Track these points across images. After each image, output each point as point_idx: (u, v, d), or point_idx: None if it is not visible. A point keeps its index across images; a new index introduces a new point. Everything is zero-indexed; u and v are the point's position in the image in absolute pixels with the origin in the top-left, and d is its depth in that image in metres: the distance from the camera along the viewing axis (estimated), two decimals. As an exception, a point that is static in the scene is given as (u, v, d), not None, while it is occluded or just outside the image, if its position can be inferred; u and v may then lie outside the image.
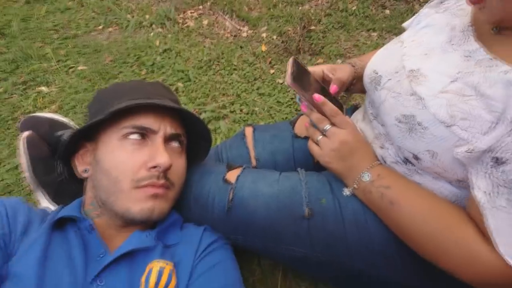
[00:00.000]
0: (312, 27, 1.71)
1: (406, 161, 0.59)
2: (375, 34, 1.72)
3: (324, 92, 0.66)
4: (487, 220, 0.49)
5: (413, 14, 0.73)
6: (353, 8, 1.88)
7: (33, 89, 1.31)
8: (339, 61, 1.53)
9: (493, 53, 0.52)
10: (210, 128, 1.18)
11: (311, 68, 0.69)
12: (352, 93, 0.83)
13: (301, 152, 0.80)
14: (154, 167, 0.57)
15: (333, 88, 0.69)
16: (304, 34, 1.66)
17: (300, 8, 1.93)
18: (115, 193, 0.57)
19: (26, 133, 0.83)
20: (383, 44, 0.73)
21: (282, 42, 1.63)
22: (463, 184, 0.55)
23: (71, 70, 1.40)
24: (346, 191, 0.64)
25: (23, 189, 1.02)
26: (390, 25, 1.73)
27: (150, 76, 1.40)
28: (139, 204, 0.57)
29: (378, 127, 0.65)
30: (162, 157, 0.57)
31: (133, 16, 1.75)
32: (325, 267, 0.66)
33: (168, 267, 0.58)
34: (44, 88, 1.31)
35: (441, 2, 0.69)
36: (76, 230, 0.60)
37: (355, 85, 0.77)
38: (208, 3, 1.92)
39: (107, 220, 0.62)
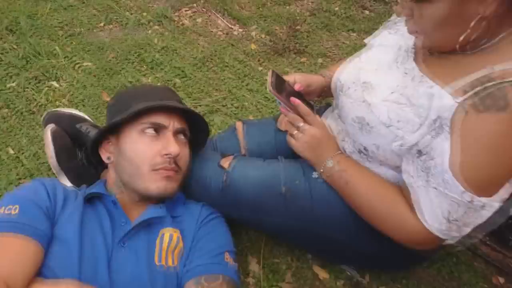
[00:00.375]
0: (298, 27, 1.87)
1: (359, 151, 0.77)
2: (354, 34, 1.88)
3: (298, 96, 0.83)
4: (412, 196, 0.68)
5: (390, 16, 0.91)
6: (336, 9, 2.04)
7: (44, 83, 1.45)
8: (320, 60, 1.70)
9: (424, 72, 0.69)
10: (206, 120, 1.34)
11: (286, 77, 0.86)
12: (325, 97, 1.00)
13: (282, 143, 0.96)
14: (167, 154, 0.74)
15: (297, 86, 0.86)
16: (290, 34, 1.82)
17: (287, 8, 2.08)
18: (136, 175, 0.74)
19: (51, 126, 0.99)
20: (361, 45, 0.90)
21: (270, 41, 1.79)
22: (400, 170, 0.73)
23: (77, 66, 1.54)
24: (315, 174, 0.82)
25: (41, 173, 1.17)
26: (368, 26, 1.90)
27: (150, 72, 1.55)
28: (155, 184, 0.73)
29: (341, 124, 0.83)
30: (173, 147, 0.74)
31: (132, 14, 1.88)
32: (297, 234, 0.85)
33: (176, 233, 0.76)
34: (54, 83, 1.45)
35: (395, 23, 0.86)
36: (103, 204, 0.76)
37: (327, 92, 0.94)
38: (201, 1, 2.05)
39: (127, 197, 0.78)
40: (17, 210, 0.67)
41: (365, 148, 0.75)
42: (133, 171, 0.74)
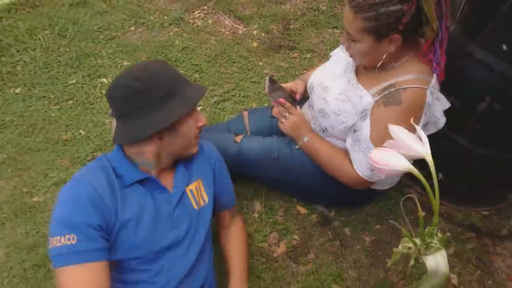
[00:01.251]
0: (291, 26, 2.28)
1: (323, 130, 1.24)
2: (337, 31, 2.30)
3: (287, 94, 1.29)
4: (351, 156, 1.15)
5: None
6: (323, 8, 2.44)
7: (96, 80, 1.91)
8: (308, 55, 2.13)
9: (358, 81, 1.15)
10: (220, 107, 1.81)
11: (285, 85, 1.32)
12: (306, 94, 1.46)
13: (274, 126, 1.43)
14: (201, 126, 0.98)
15: (297, 96, 1.33)
16: (285, 33, 2.24)
17: (282, 7, 2.48)
18: (188, 145, 0.97)
19: None
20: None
21: (268, 39, 2.21)
22: (345, 141, 1.20)
23: (119, 65, 1.99)
24: (296, 146, 1.29)
25: (107, 148, 1.65)
26: (349, 24, 2.30)
27: (176, 69, 1.99)
28: (196, 147, 1.01)
29: (313, 112, 1.29)
30: (204, 119, 0.98)
31: (155, 18, 2.29)
32: (285, 184, 1.34)
33: (197, 183, 1.04)
34: (104, 80, 1.90)
35: None
36: (144, 183, 0.93)
37: (306, 91, 1.40)
38: (211, 3, 2.46)
39: (160, 168, 0.97)
40: (75, 239, 0.77)
41: (326, 128, 1.22)
42: (185, 144, 0.96)
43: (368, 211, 1.46)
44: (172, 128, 0.90)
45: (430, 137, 1.17)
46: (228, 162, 1.25)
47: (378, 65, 1.06)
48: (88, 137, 1.68)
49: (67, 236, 0.77)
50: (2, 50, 2.04)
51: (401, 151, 0.67)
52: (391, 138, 0.69)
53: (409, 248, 0.70)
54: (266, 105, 1.81)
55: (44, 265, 1.30)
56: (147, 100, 0.86)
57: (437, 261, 0.66)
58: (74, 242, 0.77)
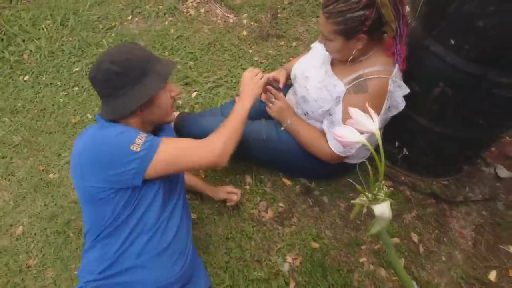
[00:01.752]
0: (278, 15, 2.45)
1: (304, 114, 1.44)
2: (321, 20, 2.46)
3: (273, 84, 1.49)
4: (326, 136, 1.36)
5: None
6: (309, -3, 2.60)
7: (99, 68, 2.07)
8: (294, 43, 2.30)
9: (333, 71, 1.35)
10: (214, 93, 1.99)
11: (267, 74, 1.51)
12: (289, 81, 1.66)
13: (263, 110, 1.64)
14: (175, 96, 1.12)
15: (281, 85, 1.52)
16: (273, 22, 2.40)
17: (271, -4, 2.63)
18: (165, 115, 1.11)
19: None
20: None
21: (257, 28, 2.38)
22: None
23: (119, 53, 2.14)
24: (281, 128, 1.50)
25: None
26: (332, 13, 2.48)
27: (172, 57, 2.16)
28: (172, 115, 1.20)
29: (296, 98, 1.49)
30: (177, 90, 1.13)
31: (150, 7, 2.44)
32: (272, 161, 1.55)
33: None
34: (106, 68, 2.06)
35: None
36: None
37: (288, 80, 1.59)
38: (203, -8, 2.60)
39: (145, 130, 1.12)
40: (143, 136, 0.99)
41: (307, 112, 1.42)
42: (163, 113, 1.10)
43: (343, 182, 1.68)
44: (149, 101, 1.03)
45: (397, 117, 1.40)
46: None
47: (350, 59, 1.26)
48: (95, 120, 1.85)
49: (138, 137, 0.97)
50: (8, 40, 2.18)
51: (357, 127, 0.88)
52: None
53: (364, 200, 0.91)
54: (255, 90, 2.00)
55: (64, 231, 1.51)
56: (126, 80, 0.99)
57: (383, 208, 0.87)
58: (145, 135, 0.99)
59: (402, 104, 1.31)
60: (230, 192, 1.50)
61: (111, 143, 0.97)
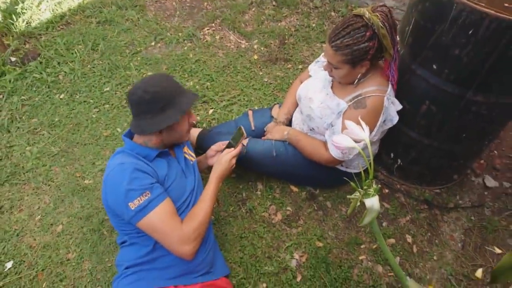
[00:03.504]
0: (286, 41, 2.71)
1: (311, 130, 1.66)
2: (325, 45, 2.72)
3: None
4: (327, 143, 1.57)
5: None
6: (313, 25, 2.87)
7: (126, 87, 2.33)
8: (300, 66, 2.55)
9: (335, 92, 1.57)
10: (228, 110, 2.23)
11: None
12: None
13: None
14: (192, 123, 1.39)
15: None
16: (281, 47, 2.66)
17: (279, 24, 2.90)
18: (181, 137, 1.37)
19: None
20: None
21: (267, 52, 2.64)
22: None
23: (145, 75, 2.40)
24: (287, 142, 1.72)
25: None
26: (335, 39, 2.73)
27: (190, 79, 2.42)
28: (187, 136, 1.43)
29: (302, 116, 1.71)
30: (194, 118, 1.40)
31: (171, 34, 2.72)
32: (281, 173, 1.76)
33: (186, 148, 1.49)
34: (133, 87, 2.32)
35: (320, 61, 1.73)
36: (161, 155, 1.33)
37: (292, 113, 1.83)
38: (218, 21, 2.88)
39: (164, 147, 1.37)
40: (149, 194, 1.16)
41: (313, 128, 1.65)
42: (179, 136, 1.35)
43: (345, 189, 1.88)
44: (168, 127, 1.27)
45: (391, 131, 1.62)
46: (237, 160, 1.60)
47: (354, 82, 1.48)
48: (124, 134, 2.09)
49: (143, 194, 1.14)
50: (46, 62, 2.46)
51: (352, 136, 1.09)
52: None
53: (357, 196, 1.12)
54: (266, 106, 2.24)
55: (99, 229, 1.72)
56: (152, 108, 1.23)
57: (372, 201, 1.07)
58: (149, 195, 1.16)
59: (395, 118, 1.53)
60: (216, 151, 1.63)
61: (119, 192, 1.15)
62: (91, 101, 2.26)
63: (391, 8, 1.36)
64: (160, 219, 1.17)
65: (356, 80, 1.48)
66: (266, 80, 2.44)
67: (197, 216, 1.27)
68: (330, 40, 1.39)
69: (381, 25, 1.31)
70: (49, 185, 1.89)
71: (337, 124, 1.53)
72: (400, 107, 1.54)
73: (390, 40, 1.36)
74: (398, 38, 1.64)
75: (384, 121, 1.54)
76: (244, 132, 1.50)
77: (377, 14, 1.32)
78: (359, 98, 1.47)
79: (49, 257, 1.63)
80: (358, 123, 1.41)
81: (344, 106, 1.50)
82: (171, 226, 1.18)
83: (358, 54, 1.36)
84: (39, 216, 1.77)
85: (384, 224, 1.77)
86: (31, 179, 1.90)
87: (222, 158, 1.45)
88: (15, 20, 2.69)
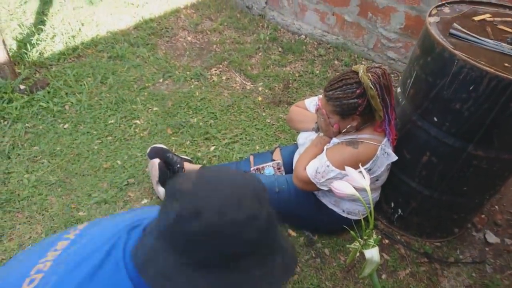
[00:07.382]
0: (290, 85, 2.78)
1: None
2: (328, 91, 2.79)
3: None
4: (311, 161, 1.56)
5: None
6: (317, 72, 2.96)
7: (131, 121, 2.35)
8: (303, 110, 2.59)
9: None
10: (230, 148, 2.24)
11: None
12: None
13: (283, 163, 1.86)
14: None
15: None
16: (285, 90, 2.73)
17: (284, 69, 3.00)
18: None
19: (158, 161, 1.87)
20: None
21: (271, 95, 2.70)
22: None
23: (150, 110, 2.45)
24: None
25: (139, 175, 2.05)
26: (338, 86, 2.81)
27: (195, 115, 2.45)
28: None
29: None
30: None
31: (179, 73, 2.80)
32: (286, 213, 1.73)
33: None
34: (137, 121, 2.35)
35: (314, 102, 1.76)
36: None
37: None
38: (226, 62, 2.98)
39: None
40: None
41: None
42: None
43: (344, 236, 1.84)
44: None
45: (392, 180, 1.61)
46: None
47: (343, 131, 1.50)
48: (124, 166, 2.09)
49: None
50: (54, 92, 2.51)
51: (352, 183, 1.09)
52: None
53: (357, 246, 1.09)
54: (267, 147, 2.25)
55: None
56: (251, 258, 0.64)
57: (372, 253, 1.04)
58: None
59: (379, 170, 1.51)
60: None
61: None
62: (94, 132, 2.28)
63: (385, 70, 1.39)
64: None
65: (344, 130, 1.49)
66: (269, 121, 2.48)
67: None
68: (325, 89, 1.45)
69: (370, 85, 1.34)
70: (43, 214, 1.86)
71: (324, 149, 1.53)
72: (395, 159, 1.53)
73: (380, 102, 1.38)
74: (399, 90, 1.70)
75: (370, 169, 1.51)
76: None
77: (369, 74, 1.35)
78: (353, 139, 1.49)
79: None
80: (344, 155, 1.46)
81: (336, 141, 1.51)
82: None
83: (346, 108, 1.41)
84: (29, 247, 1.71)
85: (384, 276, 1.71)
86: (25, 207, 1.87)
87: None
88: (29, 50, 2.78)
